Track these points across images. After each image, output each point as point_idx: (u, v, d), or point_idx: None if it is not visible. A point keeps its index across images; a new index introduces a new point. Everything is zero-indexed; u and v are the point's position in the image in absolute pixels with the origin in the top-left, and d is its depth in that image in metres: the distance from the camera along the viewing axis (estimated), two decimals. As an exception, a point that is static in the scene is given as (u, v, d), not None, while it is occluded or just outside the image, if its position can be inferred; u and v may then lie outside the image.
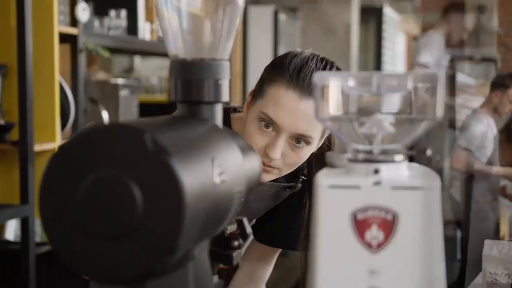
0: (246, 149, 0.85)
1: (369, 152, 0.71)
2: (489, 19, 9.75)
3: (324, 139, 1.37)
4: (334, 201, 0.68)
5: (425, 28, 10.26)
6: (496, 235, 4.15)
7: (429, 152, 4.72)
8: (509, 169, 4.32)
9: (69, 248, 0.63)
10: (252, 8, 5.36)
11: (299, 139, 1.29)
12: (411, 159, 0.73)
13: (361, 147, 0.71)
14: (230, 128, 1.22)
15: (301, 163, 1.34)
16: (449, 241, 4.44)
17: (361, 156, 0.70)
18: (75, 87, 2.74)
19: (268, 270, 1.61)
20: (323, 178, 0.68)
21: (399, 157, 0.70)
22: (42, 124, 2.55)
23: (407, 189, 0.67)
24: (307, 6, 6.08)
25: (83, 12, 2.67)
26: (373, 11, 7.64)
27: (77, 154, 0.62)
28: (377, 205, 0.67)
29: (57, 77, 2.54)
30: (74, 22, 2.71)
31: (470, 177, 4.25)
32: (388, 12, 8.04)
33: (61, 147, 0.63)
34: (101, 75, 4.37)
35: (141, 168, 0.61)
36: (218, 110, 0.82)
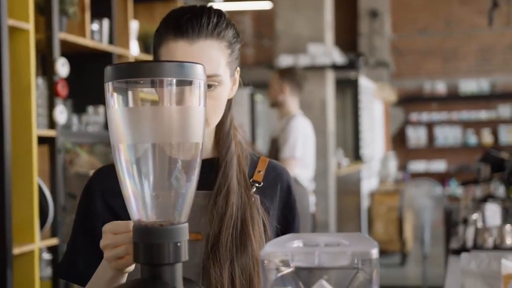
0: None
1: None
2: (382, 24, 9.97)
3: (238, 77, 1.31)
4: None
5: (401, 94, 10.50)
6: None
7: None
8: None
9: None
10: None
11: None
12: None
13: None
14: None
15: (222, 107, 1.27)
16: None
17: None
18: (53, 186, 2.80)
19: None
20: None
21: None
22: (21, 225, 2.59)
23: None
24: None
25: (61, 114, 2.75)
26: (349, 82, 7.81)
27: None
28: None
29: (36, 180, 2.60)
30: (52, 123, 2.78)
31: None
32: (364, 82, 8.22)
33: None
34: (85, 159, 4.40)
35: None
36: (178, 269, 0.89)
